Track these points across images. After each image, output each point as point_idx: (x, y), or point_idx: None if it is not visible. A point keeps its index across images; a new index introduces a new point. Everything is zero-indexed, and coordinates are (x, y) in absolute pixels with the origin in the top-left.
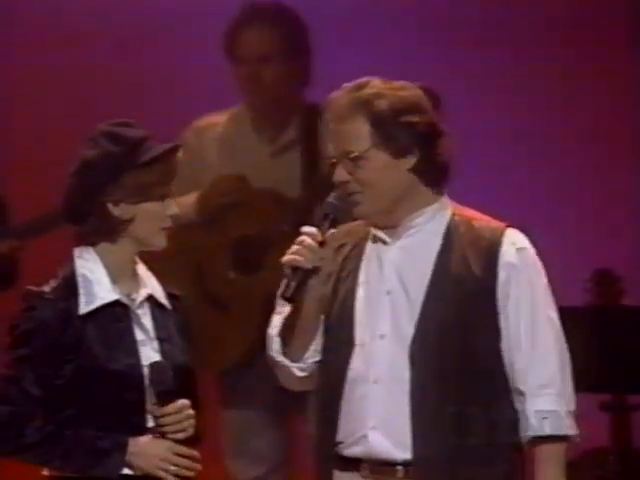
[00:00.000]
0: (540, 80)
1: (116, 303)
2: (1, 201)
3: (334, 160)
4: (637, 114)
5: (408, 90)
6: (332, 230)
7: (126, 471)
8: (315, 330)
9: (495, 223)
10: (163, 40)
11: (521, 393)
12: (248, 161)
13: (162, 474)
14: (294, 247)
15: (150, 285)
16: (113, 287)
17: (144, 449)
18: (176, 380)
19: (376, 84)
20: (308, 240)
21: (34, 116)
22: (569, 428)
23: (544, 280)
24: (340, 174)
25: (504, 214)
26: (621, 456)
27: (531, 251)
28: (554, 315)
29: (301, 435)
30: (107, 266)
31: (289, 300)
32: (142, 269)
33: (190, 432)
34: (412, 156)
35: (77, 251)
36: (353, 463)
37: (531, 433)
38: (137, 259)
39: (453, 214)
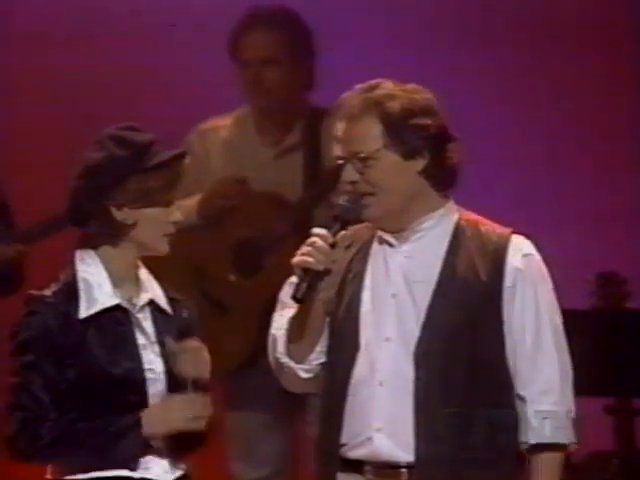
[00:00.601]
0: (541, 81)
1: (117, 307)
2: (5, 206)
3: (342, 160)
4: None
5: (420, 93)
6: (343, 232)
7: (126, 472)
8: (321, 331)
9: (501, 229)
10: (163, 41)
11: (522, 399)
12: (251, 164)
13: (183, 426)
14: (305, 248)
15: (152, 289)
16: (114, 291)
17: (157, 415)
18: (176, 384)
19: (388, 86)
20: (319, 242)
21: (34, 117)
22: (568, 435)
23: (549, 286)
24: (350, 174)
25: (504, 217)
26: (625, 459)
27: (537, 257)
28: (559, 321)
29: (304, 438)
30: (109, 270)
31: (299, 301)
32: (144, 273)
33: (205, 375)
34: (422, 159)
35: (79, 254)
36: (357, 465)
37: (532, 439)
38: (139, 263)
39: (459, 219)
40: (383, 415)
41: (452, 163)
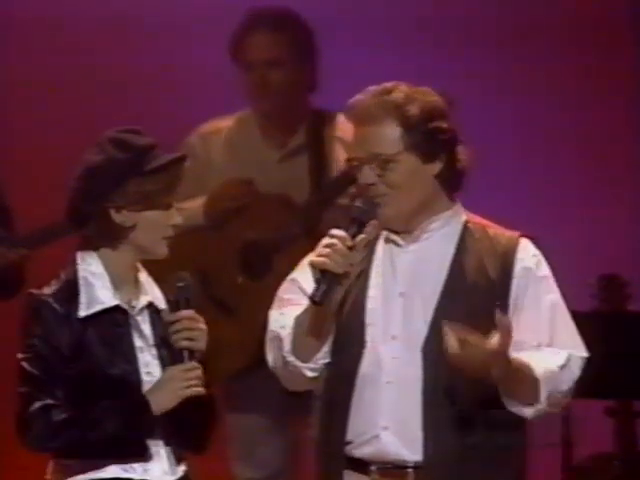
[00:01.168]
0: (541, 81)
1: (116, 308)
2: (6, 209)
3: (357, 162)
4: None
5: (433, 96)
6: (361, 235)
7: (125, 474)
8: (329, 331)
9: (509, 232)
10: (164, 40)
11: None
12: (256, 166)
13: (188, 392)
14: (324, 250)
15: (151, 292)
16: (114, 293)
17: (159, 389)
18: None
19: (404, 89)
20: (339, 244)
21: (34, 118)
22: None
23: (556, 286)
24: (367, 176)
25: (505, 218)
26: (626, 461)
27: (542, 257)
28: (570, 316)
29: (304, 439)
30: (109, 271)
31: (317, 304)
32: (144, 276)
33: (201, 345)
34: (439, 162)
35: (79, 255)
36: (362, 465)
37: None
38: (139, 266)
39: (467, 221)
40: (390, 413)
41: (463, 166)
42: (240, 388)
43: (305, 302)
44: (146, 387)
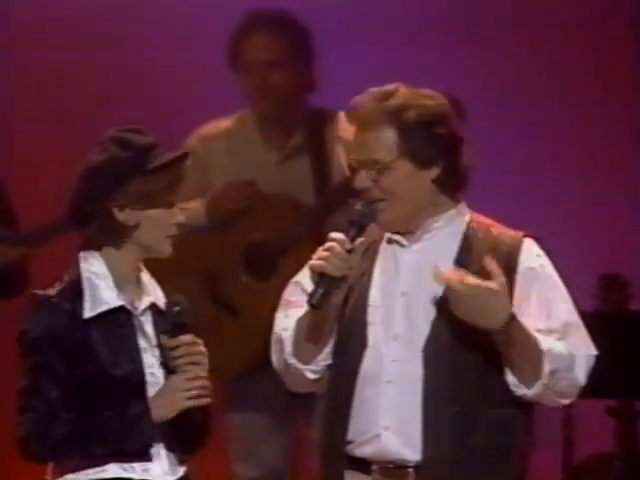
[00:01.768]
0: (541, 81)
1: (120, 309)
2: (9, 208)
3: (355, 165)
4: None
5: (434, 99)
6: (360, 238)
7: (125, 474)
8: (330, 333)
9: (513, 231)
10: (163, 40)
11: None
12: (256, 168)
13: (189, 403)
14: (322, 253)
15: (153, 293)
16: (118, 293)
17: (161, 397)
18: None
19: (403, 93)
20: (337, 248)
21: (34, 118)
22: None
23: (562, 285)
24: (362, 180)
25: (505, 219)
26: (627, 461)
27: (545, 257)
28: (578, 314)
29: (305, 439)
30: (112, 271)
31: (315, 307)
32: (146, 277)
33: (203, 368)
34: (436, 167)
35: (82, 255)
36: (363, 464)
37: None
38: (141, 266)
39: (471, 220)
40: (391, 413)
41: (464, 168)
42: (241, 388)
43: None
44: (149, 388)
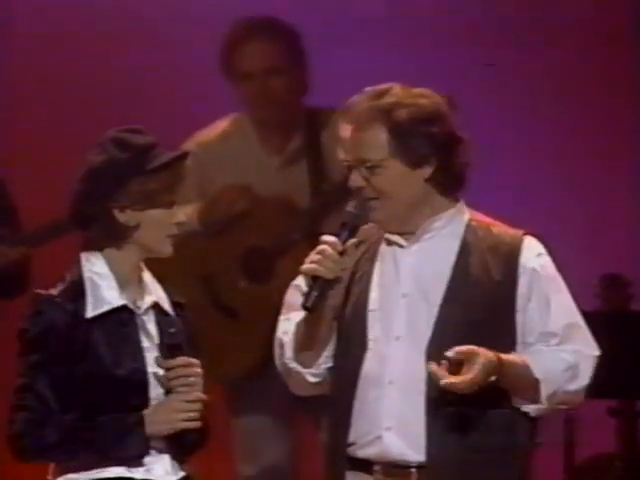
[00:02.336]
0: (542, 81)
1: (122, 308)
2: (10, 208)
3: (349, 164)
4: None
5: (428, 98)
6: (352, 240)
7: (128, 473)
8: (329, 337)
9: (513, 230)
10: (163, 40)
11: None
12: (256, 173)
13: (184, 425)
14: (314, 256)
15: (155, 292)
16: (120, 292)
17: (158, 414)
18: None
19: (396, 92)
20: (329, 250)
21: (34, 118)
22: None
23: (564, 284)
24: (355, 180)
25: (507, 219)
26: (628, 462)
27: (547, 255)
28: (580, 314)
29: (310, 441)
30: (113, 271)
31: (310, 310)
32: (148, 276)
33: (198, 389)
34: (429, 166)
35: (84, 255)
36: (366, 465)
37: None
38: (143, 266)
39: (470, 219)
40: (393, 414)
41: (459, 168)
42: (244, 390)
43: None
44: (151, 388)
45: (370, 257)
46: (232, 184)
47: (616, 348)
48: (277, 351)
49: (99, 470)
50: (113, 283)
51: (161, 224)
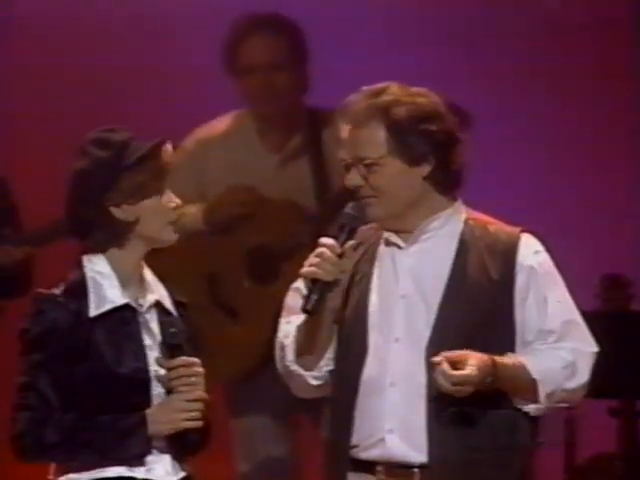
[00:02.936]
0: (541, 81)
1: (125, 307)
2: (13, 208)
3: (347, 163)
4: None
5: (426, 97)
6: (350, 242)
7: (129, 473)
8: (330, 339)
9: (510, 227)
10: (163, 40)
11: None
12: (255, 171)
13: (186, 425)
14: (313, 259)
15: (157, 291)
16: (122, 291)
17: (160, 413)
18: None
19: (394, 90)
20: (327, 253)
21: (35, 118)
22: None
23: (562, 281)
24: (353, 178)
25: (506, 219)
26: (628, 462)
27: (544, 252)
28: (578, 310)
29: (309, 440)
30: (115, 270)
31: (309, 313)
32: (149, 275)
33: (200, 389)
34: (427, 164)
35: (85, 257)
36: (369, 466)
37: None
38: (144, 264)
39: (467, 218)
40: (395, 416)
41: (457, 167)
42: (244, 391)
43: None
44: (153, 386)
45: (369, 259)
46: (236, 184)
47: (616, 348)
48: (278, 354)
49: (100, 470)
50: (115, 282)
51: (158, 212)
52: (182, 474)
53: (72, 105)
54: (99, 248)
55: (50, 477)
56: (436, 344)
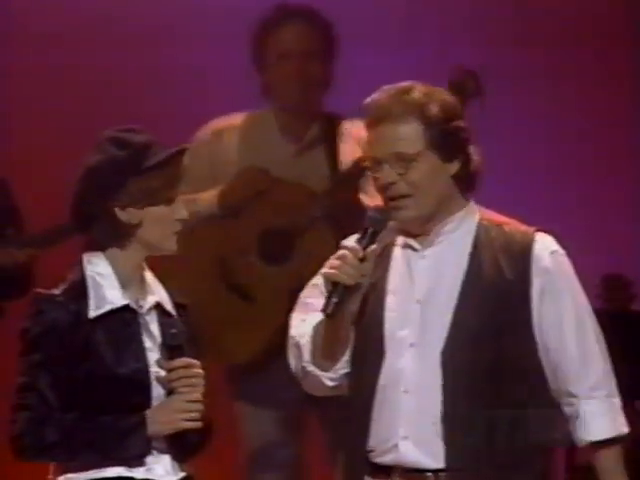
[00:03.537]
0: (541, 81)
1: (125, 308)
2: (15, 210)
3: (377, 159)
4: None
5: (449, 96)
6: (373, 246)
7: (128, 473)
8: (347, 342)
9: (525, 227)
10: (164, 40)
11: (572, 395)
12: (272, 160)
13: (185, 425)
14: (335, 262)
15: (157, 293)
16: (122, 292)
17: (160, 414)
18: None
19: (421, 88)
20: (349, 256)
21: (35, 118)
22: (622, 426)
23: (577, 281)
24: (388, 175)
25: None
26: (629, 461)
27: (561, 252)
28: (592, 313)
29: (318, 442)
30: (116, 271)
31: (329, 316)
32: (149, 276)
33: (200, 390)
34: (457, 162)
35: (86, 256)
36: (384, 470)
37: (590, 438)
38: (145, 266)
39: (481, 219)
40: (409, 423)
41: (478, 166)
42: (254, 383)
43: None
44: (153, 387)
45: (384, 261)
46: (250, 166)
47: (618, 348)
48: (293, 351)
49: (99, 470)
50: (115, 283)
51: (163, 221)
52: (182, 474)
53: (72, 105)
54: (99, 246)
55: (49, 477)
56: (451, 349)
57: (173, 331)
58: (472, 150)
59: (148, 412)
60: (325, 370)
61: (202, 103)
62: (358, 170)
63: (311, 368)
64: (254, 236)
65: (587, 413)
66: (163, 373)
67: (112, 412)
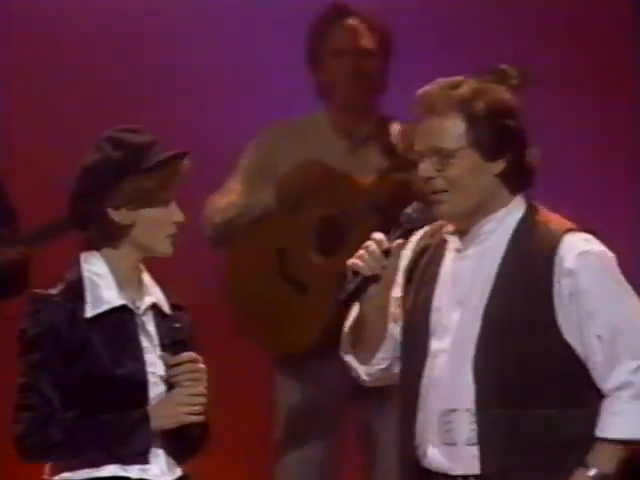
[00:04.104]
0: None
1: (122, 308)
2: (10, 208)
3: (421, 152)
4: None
5: (502, 92)
6: (400, 240)
7: (123, 473)
8: (379, 339)
9: (558, 226)
10: (163, 40)
11: (601, 392)
12: (325, 158)
13: (188, 418)
14: (360, 251)
15: (154, 294)
16: (119, 292)
17: (163, 408)
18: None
19: (472, 83)
20: (373, 247)
21: (35, 118)
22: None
23: (612, 274)
24: (426, 169)
25: None
26: (628, 462)
27: (595, 251)
28: (631, 305)
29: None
30: (112, 271)
31: (343, 302)
32: (147, 277)
33: (203, 384)
34: (502, 161)
35: (83, 256)
36: (426, 474)
37: (602, 435)
38: (142, 267)
39: (524, 217)
40: (438, 429)
41: (530, 167)
42: (295, 374)
43: None
44: (150, 387)
45: (436, 260)
46: (304, 160)
47: None
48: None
49: (95, 469)
50: (112, 283)
51: (158, 223)
52: (178, 473)
53: (72, 105)
54: (94, 245)
55: (45, 477)
56: (482, 353)
57: (177, 325)
58: (528, 150)
59: (150, 407)
60: (362, 362)
61: (203, 103)
62: (409, 162)
63: (348, 358)
64: (311, 227)
65: (605, 410)
66: (160, 373)
67: (110, 412)
